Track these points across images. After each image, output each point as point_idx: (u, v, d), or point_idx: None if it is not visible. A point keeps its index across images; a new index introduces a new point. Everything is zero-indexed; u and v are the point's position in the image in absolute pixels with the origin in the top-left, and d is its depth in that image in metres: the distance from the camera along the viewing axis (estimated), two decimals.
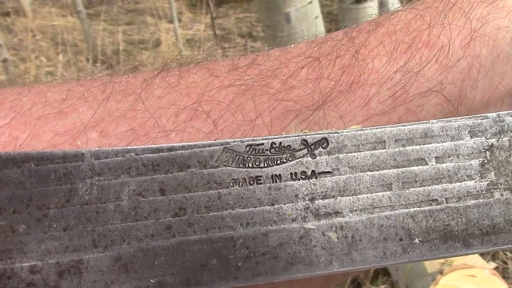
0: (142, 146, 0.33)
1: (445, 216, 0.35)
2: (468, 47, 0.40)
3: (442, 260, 1.52)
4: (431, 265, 1.56)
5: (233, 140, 0.34)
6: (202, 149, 0.34)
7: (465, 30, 0.41)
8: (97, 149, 0.33)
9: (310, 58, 0.41)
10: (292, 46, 0.44)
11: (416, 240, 0.35)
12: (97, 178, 0.32)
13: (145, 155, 0.33)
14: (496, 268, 1.63)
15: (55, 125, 0.35)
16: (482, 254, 1.87)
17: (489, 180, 0.36)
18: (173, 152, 0.33)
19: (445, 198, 0.35)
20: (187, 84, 0.39)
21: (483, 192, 0.36)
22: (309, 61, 0.40)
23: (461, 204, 0.35)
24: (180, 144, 0.34)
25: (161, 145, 0.33)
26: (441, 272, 1.48)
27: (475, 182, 0.36)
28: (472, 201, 0.35)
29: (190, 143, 0.34)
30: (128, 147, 0.33)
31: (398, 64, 0.40)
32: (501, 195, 0.36)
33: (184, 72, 0.40)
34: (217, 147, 0.34)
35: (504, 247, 0.36)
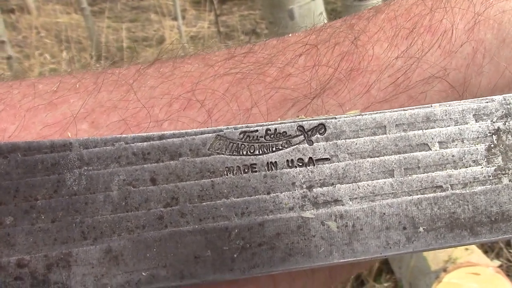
0: (132, 135, 0.32)
1: (450, 203, 0.34)
2: (472, 31, 0.39)
3: (446, 258, 1.51)
4: (434, 263, 1.55)
5: (226, 127, 0.33)
6: (194, 136, 0.32)
7: (469, 14, 0.39)
8: (85, 138, 0.32)
9: (308, 46, 0.39)
10: (290, 35, 0.43)
11: (421, 229, 0.33)
12: (85, 168, 0.31)
13: (135, 143, 0.32)
14: (500, 266, 1.61)
15: (44, 116, 0.34)
16: (486, 252, 1.85)
17: (496, 165, 0.34)
18: (164, 141, 0.32)
19: (450, 185, 0.34)
20: (181, 74, 0.37)
21: (491, 177, 0.34)
22: (307, 48, 0.39)
23: (467, 191, 0.34)
24: (171, 132, 0.32)
25: (151, 133, 0.32)
26: (444, 270, 1.46)
27: (482, 167, 0.34)
28: (479, 188, 0.34)
29: (182, 131, 0.32)
30: (118, 136, 0.32)
31: (399, 50, 0.38)
32: (510, 180, 0.34)
33: (178, 63, 0.39)
34: (210, 134, 0.32)
35: None
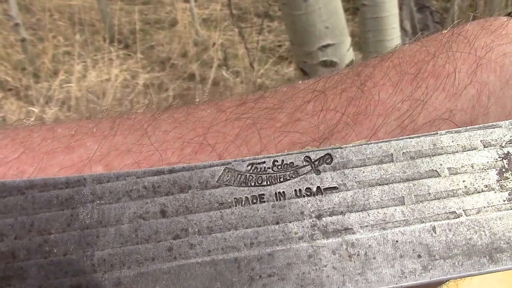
0: (143, 169, 0.33)
1: (466, 230, 0.33)
2: (475, 74, 0.40)
3: None
4: None
5: (234, 159, 0.34)
6: (203, 169, 0.33)
7: (470, 58, 0.40)
8: (99, 173, 0.33)
9: (316, 92, 0.41)
10: (300, 82, 0.45)
11: (437, 257, 0.32)
12: (98, 202, 0.32)
13: (146, 177, 0.33)
14: None
15: (62, 159, 0.36)
16: None
17: (510, 189, 0.33)
18: (174, 174, 0.33)
19: (463, 210, 0.33)
20: (194, 119, 0.39)
21: (506, 202, 0.33)
22: (315, 94, 0.41)
23: (482, 216, 0.33)
24: (181, 165, 0.33)
25: (162, 167, 0.33)
26: None
27: (495, 192, 0.33)
28: (494, 213, 0.33)
29: (191, 164, 0.33)
30: (129, 171, 0.33)
31: (404, 94, 0.39)
32: None
33: (192, 109, 0.41)
34: (218, 167, 0.33)
35: None
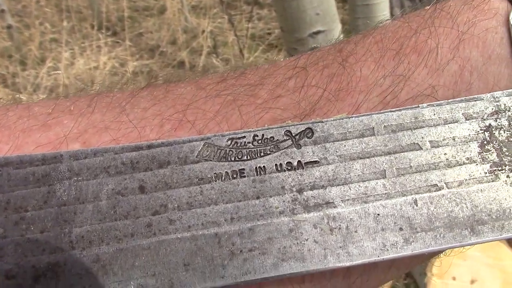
0: (121, 145, 0.33)
1: (447, 202, 0.32)
2: (457, 49, 0.39)
3: None
4: None
5: (213, 134, 0.33)
6: (182, 145, 0.33)
7: (453, 33, 0.40)
8: (76, 150, 0.32)
9: (298, 68, 0.40)
10: (282, 59, 0.44)
11: (418, 229, 0.32)
12: (75, 178, 0.32)
13: (124, 153, 0.32)
14: None
15: (38, 137, 0.35)
16: None
17: (491, 161, 0.33)
18: (152, 149, 0.33)
19: (445, 183, 0.33)
20: (174, 96, 0.39)
21: (487, 174, 0.33)
22: (297, 71, 0.40)
23: (464, 189, 0.33)
24: (160, 141, 0.33)
25: (140, 142, 0.33)
26: None
27: (477, 164, 0.33)
28: (476, 185, 0.33)
29: (170, 140, 0.33)
30: (107, 146, 0.32)
31: (386, 70, 0.39)
32: (508, 176, 0.33)
33: (171, 87, 0.40)
34: (198, 142, 0.33)
35: None
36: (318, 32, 1.95)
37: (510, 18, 0.39)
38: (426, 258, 0.42)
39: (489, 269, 1.50)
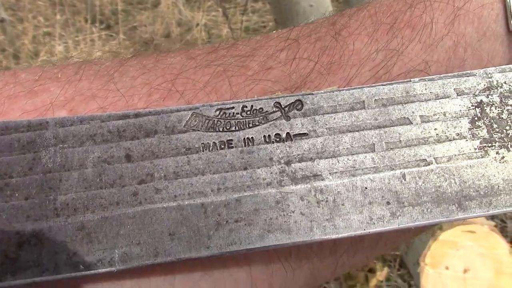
0: (107, 113, 0.32)
1: (435, 177, 0.32)
2: (452, 25, 0.39)
3: None
4: None
5: (202, 104, 0.33)
6: (169, 114, 0.32)
7: (448, 8, 0.40)
8: (62, 117, 0.32)
9: (290, 40, 0.40)
10: (274, 32, 0.43)
11: (406, 203, 0.32)
12: (61, 145, 0.31)
13: (110, 121, 0.32)
14: (494, 226, 1.58)
15: (24, 103, 0.34)
16: None
17: (481, 138, 0.33)
18: (140, 118, 0.32)
19: (434, 158, 0.33)
20: (163, 66, 0.38)
21: (476, 150, 0.33)
22: (289, 43, 0.39)
23: (453, 164, 0.33)
24: (147, 109, 0.32)
25: (127, 111, 0.32)
26: (440, 228, 1.47)
27: (466, 140, 0.33)
28: (465, 161, 0.33)
29: (158, 109, 0.32)
30: (93, 114, 0.32)
31: (380, 44, 0.38)
32: (497, 153, 0.33)
33: (161, 56, 0.40)
34: (186, 111, 0.32)
35: (505, 210, 0.32)
36: None
37: None
38: (414, 234, 0.42)
39: (482, 259, 1.51)
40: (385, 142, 0.33)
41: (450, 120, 0.33)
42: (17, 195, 0.30)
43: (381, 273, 1.71)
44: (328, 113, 0.33)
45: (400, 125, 0.33)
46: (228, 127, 0.32)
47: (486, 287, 1.47)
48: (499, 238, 1.49)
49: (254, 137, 0.32)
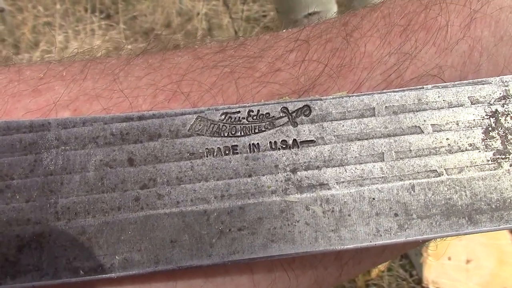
0: (111, 115, 0.31)
1: (446, 189, 0.31)
2: (468, 28, 0.37)
3: None
4: None
5: (207, 108, 0.32)
6: (174, 117, 0.32)
7: (465, 11, 0.38)
8: (64, 118, 0.31)
9: (300, 41, 0.38)
10: (284, 30, 0.42)
11: (414, 216, 0.31)
12: (63, 147, 0.31)
13: (114, 123, 0.31)
14: None
15: (28, 102, 0.34)
16: None
17: (495, 149, 0.32)
18: (143, 121, 0.31)
19: (445, 169, 0.32)
20: (170, 65, 0.37)
21: (489, 162, 0.32)
22: (298, 44, 0.38)
23: (464, 176, 0.32)
24: (151, 112, 0.32)
25: (131, 113, 0.32)
26: None
27: (479, 151, 0.32)
28: (477, 173, 0.32)
29: (162, 112, 0.32)
30: (96, 116, 0.31)
31: (392, 47, 0.37)
32: (511, 165, 0.32)
33: (168, 55, 0.39)
34: (190, 115, 0.32)
35: None
36: (314, 13, 1.91)
37: None
38: (421, 243, 0.42)
39: (484, 249, 1.51)
40: (394, 152, 0.32)
41: (463, 129, 0.32)
42: (18, 197, 0.30)
43: (383, 264, 1.71)
44: (336, 120, 0.32)
45: (411, 134, 0.32)
46: (233, 132, 0.31)
47: (489, 277, 1.48)
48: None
49: (259, 143, 0.31)
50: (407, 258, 1.71)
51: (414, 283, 1.63)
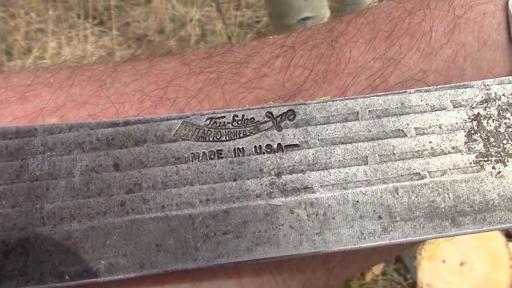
0: (96, 121, 0.32)
1: (429, 192, 0.32)
2: (452, 34, 0.38)
3: None
4: None
5: (192, 113, 0.32)
6: (159, 123, 0.32)
7: (448, 17, 0.39)
8: (50, 124, 0.31)
9: (286, 47, 0.39)
10: (271, 37, 0.43)
11: (398, 218, 0.31)
12: (49, 153, 0.31)
13: (99, 129, 0.31)
14: None
15: (15, 109, 0.34)
16: None
17: (477, 152, 0.32)
18: (129, 126, 0.32)
19: (428, 172, 0.32)
20: (157, 72, 0.37)
21: (472, 165, 0.32)
22: (284, 50, 0.39)
23: (447, 178, 0.32)
24: (137, 117, 0.32)
25: (116, 118, 0.32)
26: None
27: (462, 154, 0.32)
28: (460, 175, 0.32)
29: (147, 117, 0.32)
30: (82, 122, 0.32)
31: (377, 53, 0.37)
32: (493, 168, 0.32)
33: (155, 61, 0.39)
34: (176, 120, 0.32)
35: (500, 226, 0.32)
36: (306, 18, 1.92)
37: (509, 2, 0.37)
38: (408, 246, 0.42)
39: (477, 251, 1.52)
40: (378, 155, 0.32)
41: (445, 133, 0.32)
42: (3, 203, 0.30)
43: (377, 268, 1.71)
44: (320, 124, 0.32)
45: (394, 137, 0.32)
46: (218, 137, 0.32)
47: (482, 280, 1.48)
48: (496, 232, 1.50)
49: (244, 148, 0.32)
50: (401, 262, 1.71)
51: (409, 287, 1.63)
